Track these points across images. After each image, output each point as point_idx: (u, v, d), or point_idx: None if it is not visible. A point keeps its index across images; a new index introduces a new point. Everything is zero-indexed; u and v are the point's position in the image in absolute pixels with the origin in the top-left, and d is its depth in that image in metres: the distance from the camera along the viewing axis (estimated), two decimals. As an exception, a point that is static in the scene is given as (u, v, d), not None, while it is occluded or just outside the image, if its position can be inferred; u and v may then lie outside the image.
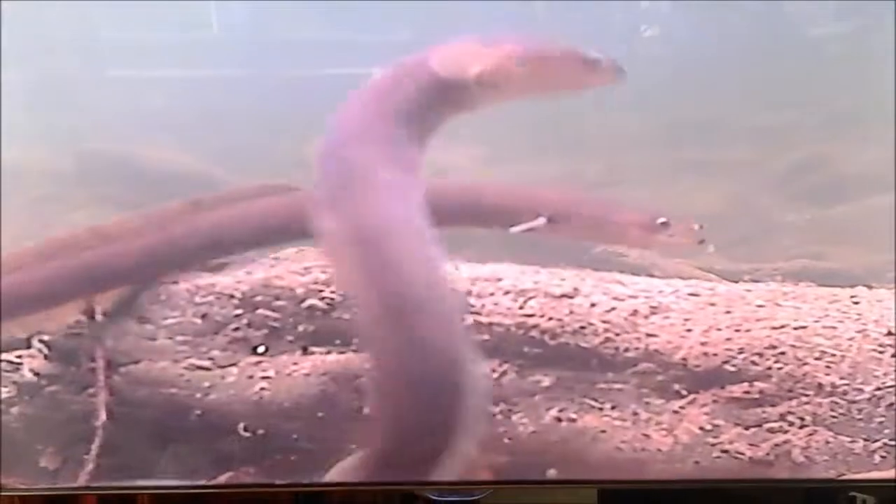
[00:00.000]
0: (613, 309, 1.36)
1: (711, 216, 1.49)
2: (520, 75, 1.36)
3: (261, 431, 1.30)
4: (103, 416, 1.30)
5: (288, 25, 1.64)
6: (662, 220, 1.42)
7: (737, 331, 1.35)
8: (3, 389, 1.36)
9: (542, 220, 1.43)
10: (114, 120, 1.61)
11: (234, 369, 1.32)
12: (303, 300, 1.34)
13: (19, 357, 1.36)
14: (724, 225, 1.48)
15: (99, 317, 1.36)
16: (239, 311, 1.34)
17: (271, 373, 1.32)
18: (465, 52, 1.37)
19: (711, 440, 1.31)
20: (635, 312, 1.36)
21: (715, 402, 1.32)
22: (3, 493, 1.34)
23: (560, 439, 1.31)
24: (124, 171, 1.53)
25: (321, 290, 1.35)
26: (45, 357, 1.36)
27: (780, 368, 1.32)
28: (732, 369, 1.32)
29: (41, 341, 1.36)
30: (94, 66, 1.62)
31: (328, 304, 1.35)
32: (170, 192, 1.45)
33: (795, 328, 1.35)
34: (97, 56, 1.61)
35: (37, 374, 1.35)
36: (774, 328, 1.35)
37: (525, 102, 1.45)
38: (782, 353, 1.33)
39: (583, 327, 1.34)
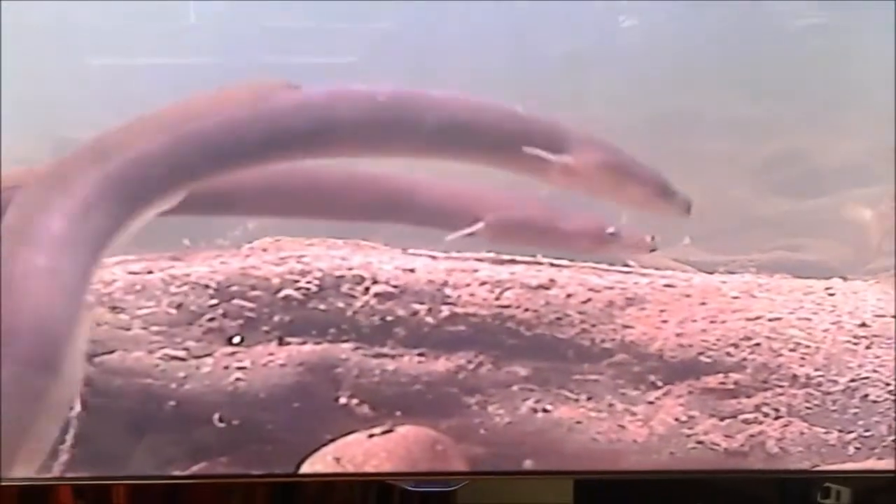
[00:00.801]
0: (589, 300, 1.36)
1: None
2: (596, 179, 1.42)
3: (236, 422, 1.29)
4: (78, 406, 1.29)
5: (267, 14, 1.63)
6: (611, 230, 1.43)
7: (712, 322, 1.35)
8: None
9: (480, 225, 1.42)
10: (91, 109, 1.60)
11: (209, 360, 1.31)
12: (279, 290, 1.34)
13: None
14: (702, 216, 1.49)
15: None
16: (214, 302, 1.33)
17: (247, 363, 1.31)
18: (560, 135, 1.43)
19: (687, 431, 1.31)
20: (611, 303, 1.36)
21: (690, 393, 1.32)
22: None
23: (536, 430, 1.31)
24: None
25: (297, 281, 1.34)
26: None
27: (754, 359, 1.32)
28: (708, 360, 1.32)
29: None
30: (71, 55, 1.61)
31: (304, 294, 1.34)
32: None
33: (770, 319, 1.36)
34: (75, 45, 1.60)
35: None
36: (749, 319, 1.36)
37: (499, 93, 1.45)
38: (757, 345, 1.33)
39: (559, 318, 1.34)
